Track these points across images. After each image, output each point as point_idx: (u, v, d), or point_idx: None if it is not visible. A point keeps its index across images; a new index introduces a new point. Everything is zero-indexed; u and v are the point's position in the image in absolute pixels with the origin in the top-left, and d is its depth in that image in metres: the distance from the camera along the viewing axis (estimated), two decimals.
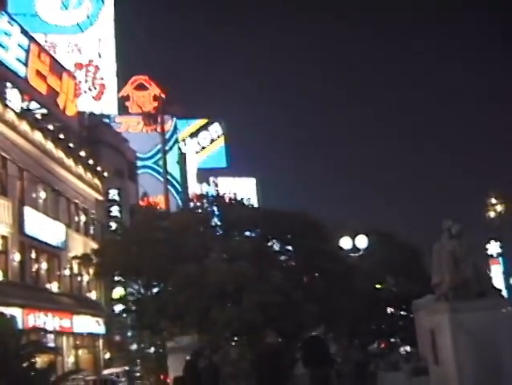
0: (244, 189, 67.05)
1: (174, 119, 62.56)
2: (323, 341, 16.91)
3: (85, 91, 55.42)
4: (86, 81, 56.75)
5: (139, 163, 61.83)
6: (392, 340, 38.28)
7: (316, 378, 15.38)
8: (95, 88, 57.76)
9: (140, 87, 68.00)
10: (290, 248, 28.62)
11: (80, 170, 42.83)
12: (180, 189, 67.21)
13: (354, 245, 28.17)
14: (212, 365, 15.43)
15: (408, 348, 32.76)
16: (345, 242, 28.14)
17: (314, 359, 15.48)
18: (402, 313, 35.66)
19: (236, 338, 22.41)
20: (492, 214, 28.97)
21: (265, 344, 14.89)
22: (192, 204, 30.82)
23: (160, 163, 41.06)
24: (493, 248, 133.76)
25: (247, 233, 27.90)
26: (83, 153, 43.76)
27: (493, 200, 29.08)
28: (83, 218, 43.41)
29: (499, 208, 29.01)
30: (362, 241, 28.10)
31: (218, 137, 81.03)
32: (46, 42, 52.57)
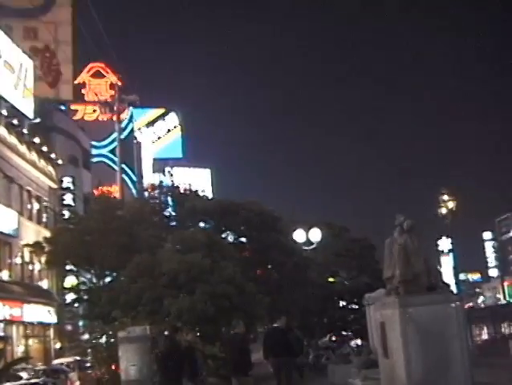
0: (199, 180, 66.91)
1: (131, 108, 62.04)
2: (284, 332, 17.14)
3: (40, 77, 54.59)
4: (41, 67, 55.86)
5: (94, 151, 61.28)
6: (344, 333, 38.61)
7: (277, 367, 15.93)
8: (51, 74, 56.87)
9: (97, 75, 67.31)
10: (244, 240, 28.70)
11: (34, 157, 42.19)
12: (135, 179, 66.81)
13: (308, 238, 28.28)
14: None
15: (359, 341, 33.10)
16: (299, 235, 28.24)
17: (275, 350, 15.88)
18: (354, 306, 35.98)
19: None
20: (443, 211, 29.34)
21: (233, 333, 15.86)
22: (146, 194, 30.68)
23: (116, 152, 40.62)
24: (445, 244, 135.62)
25: (201, 224, 27.90)
26: (36, 140, 43.10)
27: (445, 197, 29.44)
28: (35, 206, 42.78)
29: (451, 204, 29.40)
30: (316, 235, 28.21)
31: (175, 127, 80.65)
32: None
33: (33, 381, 22.18)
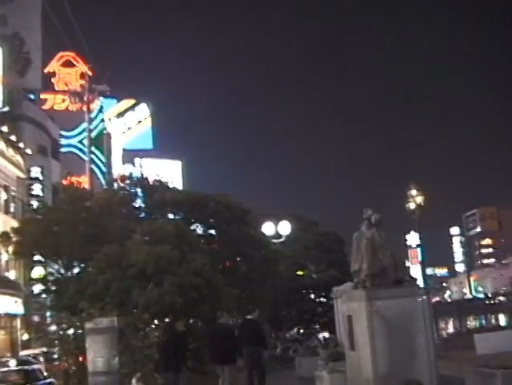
0: (169, 172, 66.58)
1: (101, 98, 61.51)
2: (257, 324, 17.45)
3: (9, 65, 53.90)
4: (10, 54, 55.18)
5: (63, 141, 60.64)
6: (312, 326, 38.82)
7: (250, 358, 16.27)
8: (20, 62, 56.16)
9: (67, 64, 66.58)
10: (213, 232, 28.67)
11: (1, 146, 41.68)
12: (104, 170, 66.32)
13: (277, 231, 28.37)
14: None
15: (326, 334, 33.28)
16: (268, 228, 28.31)
17: (249, 341, 16.30)
18: (322, 299, 36.18)
19: (156, 321, 22.34)
20: (412, 205, 29.58)
21: (218, 324, 16.63)
22: (116, 185, 30.50)
23: (85, 142, 40.30)
24: (413, 238, 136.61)
25: (171, 216, 27.82)
26: (4, 129, 42.61)
27: (413, 192, 29.68)
28: (3, 196, 42.28)
29: (419, 199, 29.64)
30: (285, 228, 28.31)
31: (145, 118, 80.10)
32: None
33: (19, 368, 22.33)
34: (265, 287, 29.96)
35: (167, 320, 17.65)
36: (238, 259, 29.68)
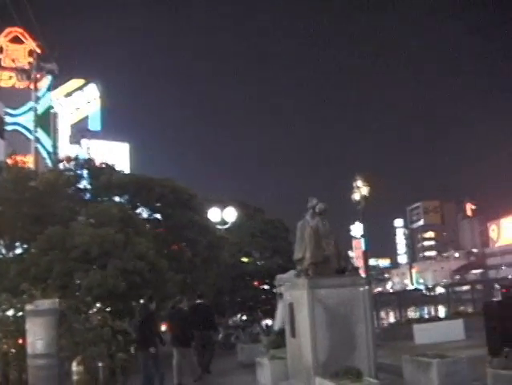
0: (117, 154, 66.06)
1: (49, 76, 60.46)
2: (209, 308, 17.88)
3: None
4: None
5: (8, 119, 59.51)
6: (255, 313, 38.95)
7: (201, 341, 17.37)
8: None
9: (15, 40, 65.31)
10: (158, 216, 28.55)
11: None
12: (50, 150, 65.34)
13: (222, 218, 28.39)
14: None
15: (269, 321, 33.44)
16: (214, 214, 28.30)
17: (199, 325, 17.18)
18: (266, 287, 36.32)
19: (98, 304, 22.19)
20: (357, 196, 29.88)
21: (177, 308, 17.85)
22: (62, 166, 30.08)
23: (31, 121, 39.65)
24: (357, 229, 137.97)
25: (116, 199, 27.59)
26: None
27: (359, 183, 29.97)
28: None
29: (364, 190, 29.95)
30: (230, 214, 28.36)
31: (94, 99, 79.08)
32: None
33: None
34: (209, 273, 29.97)
35: (142, 301, 18.42)
36: (183, 244, 29.62)
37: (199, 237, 28.50)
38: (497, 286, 19.99)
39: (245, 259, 38.21)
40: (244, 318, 38.62)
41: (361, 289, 11.90)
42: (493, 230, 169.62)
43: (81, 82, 77.80)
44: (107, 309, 19.87)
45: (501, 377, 9.01)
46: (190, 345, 16.83)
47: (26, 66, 40.83)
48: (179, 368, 16.81)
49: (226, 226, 28.61)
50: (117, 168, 29.84)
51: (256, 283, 38.26)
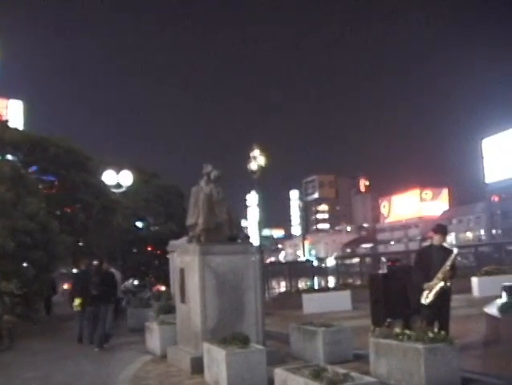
0: (10, 111, 64.02)
1: None
2: (113, 276, 17.78)
3: None
4: None
5: None
6: (147, 278, 38.86)
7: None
8: None
9: None
10: (52, 177, 27.92)
11: None
12: None
13: (118, 181, 27.91)
14: None
15: (162, 287, 33.42)
16: (109, 177, 27.72)
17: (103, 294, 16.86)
18: (159, 252, 36.22)
19: None
20: (253, 166, 30.00)
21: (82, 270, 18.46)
22: None
23: None
24: (252, 198, 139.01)
25: (9, 157, 26.80)
26: None
27: (256, 153, 30.07)
28: None
29: (261, 160, 30.09)
30: (126, 178, 27.86)
31: None
32: None
33: None
34: (102, 236, 29.62)
35: (95, 262, 19.06)
36: (77, 206, 29.11)
37: (93, 199, 28.07)
38: (383, 260, 20.57)
39: (139, 224, 37.96)
40: (136, 282, 38.43)
41: (252, 257, 12.01)
42: (384, 206, 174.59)
43: None
44: None
45: (381, 345, 9.31)
46: (110, 300, 17.11)
47: None
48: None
49: (121, 190, 28.12)
50: (10, 125, 28.96)
51: (149, 248, 38.12)
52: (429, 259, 10.75)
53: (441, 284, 10.41)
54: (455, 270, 10.74)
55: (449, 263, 10.43)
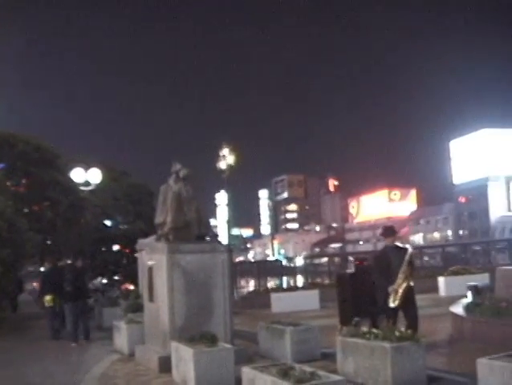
0: None
1: None
2: (84, 274, 18.15)
3: None
4: None
5: None
6: (116, 277, 38.63)
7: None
8: None
9: None
10: (20, 174, 27.69)
11: None
12: None
13: (86, 179, 27.67)
14: None
15: (131, 286, 33.25)
16: (77, 174, 27.46)
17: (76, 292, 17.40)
18: (128, 251, 36.05)
19: None
20: (223, 165, 29.90)
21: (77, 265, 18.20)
22: None
23: None
24: (222, 198, 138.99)
25: None
26: None
27: (226, 152, 29.99)
28: None
29: (230, 159, 30.01)
30: (95, 176, 27.61)
31: None
32: None
33: None
34: (70, 235, 29.42)
35: (69, 261, 20.15)
36: (45, 204, 28.88)
37: (62, 197, 27.86)
38: (351, 259, 20.72)
39: (108, 222, 37.72)
40: (104, 281, 38.21)
41: (220, 256, 12.02)
42: (352, 207, 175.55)
43: None
44: None
45: (348, 344, 9.38)
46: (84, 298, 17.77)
47: None
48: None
49: (90, 188, 27.88)
50: None
51: (118, 247, 37.90)
52: (387, 261, 10.87)
53: (405, 284, 10.54)
54: (413, 267, 10.96)
55: (406, 261, 10.57)
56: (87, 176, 27.00)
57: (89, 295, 19.18)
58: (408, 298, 10.65)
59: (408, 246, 11.26)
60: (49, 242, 28.58)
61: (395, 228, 11.84)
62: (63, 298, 17.60)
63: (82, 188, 27.82)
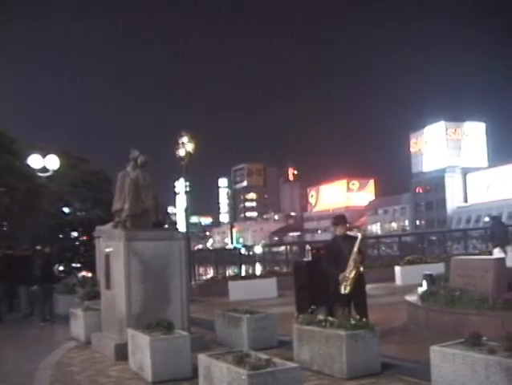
0: None
1: None
2: (52, 259, 18.93)
3: None
4: None
5: None
6: (73, 264, 38.36)
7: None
8: None
9: None
10: None
11: None
12: None
13: (44, 165, 27.32)
14: None
15: (89, 274, 33.00)
16: (35, 160, 27.10)
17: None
18: (85, 238, 35.81)
19: None
20: (182, 152, 29.75)
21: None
22: None
23: None
24: (181, 185, 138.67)
25: None
26: None
27: (185, 139, 29.83)
28: None
29: (189, 147, 29.86)
30: (53, 162, 27.26)
31: None
32: None
33: None
34: (27, 221, 29.11)
35: (38, 247, 21.22)
36: (1, 190, 28.53)
37: (18, 183, 27.53)
38: (308, 247, 20.80)
39: (65, 209, 37.42)
40: (61, 268, 37.91)
41: (177, 243, 12.02)
42: (312, 196, 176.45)
43: None
44: None
45: (304, 332, 9.45)
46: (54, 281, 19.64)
47: None
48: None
49: (48, 174, 27.53)
50: None
51: (75, 234, 37.64)
52: (338, 250, 10.95)
53: (355, 271, 10.64)
54: (364, 254, 11.08)
55: (355, 249, 10.66)
56: (44, 162, 26.64)
57: (58, 279, 21.47)
58: (359, 284, 10.75)
59: (358, 234, 11.36)
60: (5, 228, 28.26)
61: (345, 217, 11.89)
62: (21, 282, 19.30)
63: (39, 174, 27.49)
